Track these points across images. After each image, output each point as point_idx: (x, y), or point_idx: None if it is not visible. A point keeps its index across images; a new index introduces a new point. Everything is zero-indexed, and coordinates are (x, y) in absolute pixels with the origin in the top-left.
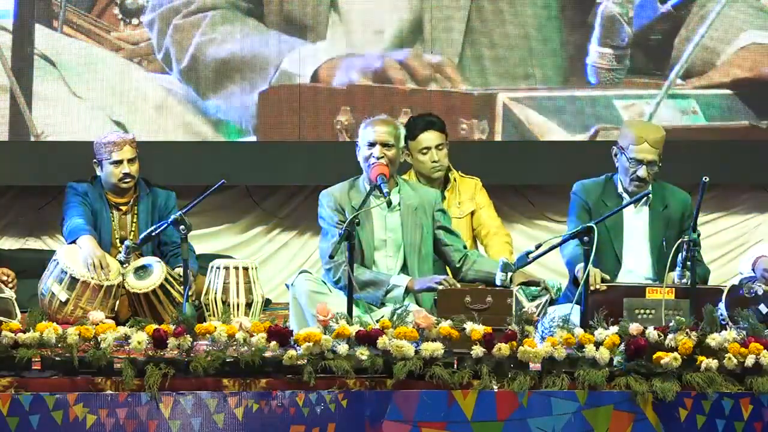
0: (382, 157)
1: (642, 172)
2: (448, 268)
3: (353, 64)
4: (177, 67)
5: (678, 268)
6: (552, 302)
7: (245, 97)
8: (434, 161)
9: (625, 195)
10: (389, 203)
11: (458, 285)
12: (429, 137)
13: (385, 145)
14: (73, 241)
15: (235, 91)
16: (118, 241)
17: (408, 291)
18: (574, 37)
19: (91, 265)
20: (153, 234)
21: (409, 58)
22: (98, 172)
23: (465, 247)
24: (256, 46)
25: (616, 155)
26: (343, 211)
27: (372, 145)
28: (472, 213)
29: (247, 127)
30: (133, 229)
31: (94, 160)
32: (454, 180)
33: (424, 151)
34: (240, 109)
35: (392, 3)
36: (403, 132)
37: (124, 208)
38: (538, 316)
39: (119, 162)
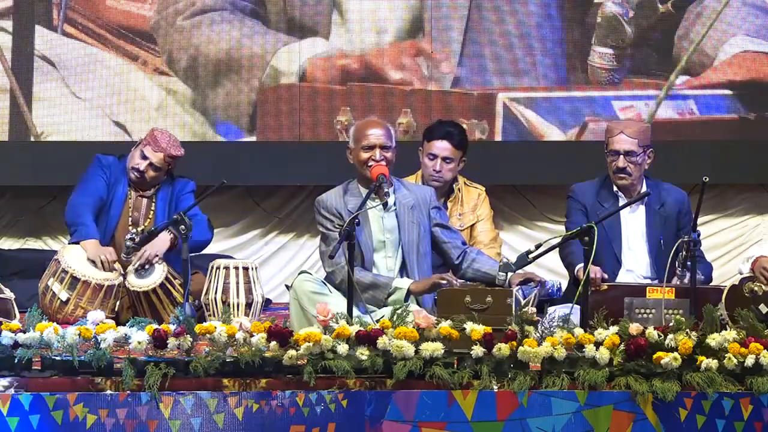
0: (382, 159)
1: (621, 162)
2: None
3: (353, 61)
4: (178, 67)
5: (678, 269)
6: (553, 302)
7: (244, 97)
8: (436, 171)
9: (621, 195)
10: (385, 205)
11: (458, 282)
12: (440, 146)
13: (383, 147)
14: (76, 242)
15: (235, 91)
16: (129, 220)
17: (410, 293)
18: (574, 37)
19: (101, 262)
20: (154, 233)
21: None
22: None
23: (464, 243)
24: (258, 48)
25: (606, 157)
26: (340, 215)
27: (370, 148)
28: (472, 225)
29: (247, 127)
30: (150, 216)
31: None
32: (459, 190)
33: (431, 156)
34: (240, 110)
35: (393, 2)
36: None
37: (144, 191)
38: (531, 306)
39: (145, 158)
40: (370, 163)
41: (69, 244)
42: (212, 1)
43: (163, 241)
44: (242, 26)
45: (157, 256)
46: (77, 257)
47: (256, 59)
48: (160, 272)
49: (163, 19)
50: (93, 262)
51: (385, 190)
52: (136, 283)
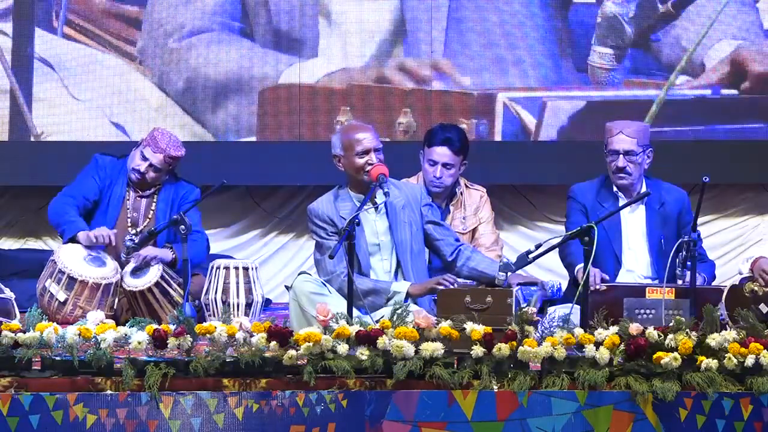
0: (379, 161)
1: (620, 161)
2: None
3: (349, 70)
4: (172, 90)
5: (678, 269)
6: (553, 302)
7: (242, 112)
8: (436, 177)
9: (621, 194)
10: (376, 208)
11: (458, 281)
12: (440, 152)
13: (376, 150)
14: (70, 240)
15: (233, 109)
16: (128, 220)
17: (409, 296)
18: (574, 37)
19: (100, 235)
20: (154, 233)
21: (406, 60)
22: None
23: (457, 240)
24: (251, 65)
25: (606, 156)
26: (332, 222)
27: (365, 153)
28: (474, 228)
29: (247, 129)
30: (150, 216)
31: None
32: (461, 194)
33: (431, 162)
34: (237, 126)
35: (380, 6)
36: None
37: (143, 192)
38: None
39: (145, 159)
40: (367, 168)
41: (64, 243)
42: (201, 23)
43: (165, 252)
44: (235, 47)
45: (155, 258)
46: (73, 257)
47: (251, 78)
48: (155, 272)
49: (152, 41)
50: (89, 247)
51: (385, 189)
52: (131, 282)
